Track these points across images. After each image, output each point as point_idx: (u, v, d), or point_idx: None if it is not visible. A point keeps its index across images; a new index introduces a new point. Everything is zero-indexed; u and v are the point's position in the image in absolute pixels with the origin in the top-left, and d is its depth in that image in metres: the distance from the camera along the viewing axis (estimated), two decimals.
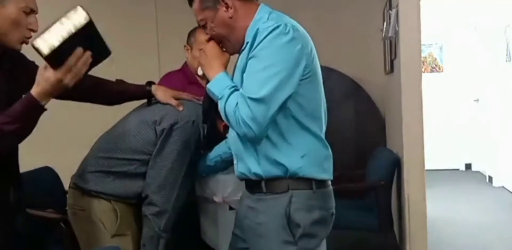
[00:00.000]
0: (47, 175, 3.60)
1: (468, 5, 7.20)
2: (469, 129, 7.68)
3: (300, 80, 1.84)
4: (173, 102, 2.25)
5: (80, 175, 2.26)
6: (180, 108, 2.23)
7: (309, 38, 1.91)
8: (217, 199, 2.36)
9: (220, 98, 1.87)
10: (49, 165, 3.64)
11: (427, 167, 3.34)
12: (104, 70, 2.04)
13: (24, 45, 1.89)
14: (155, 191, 2.17)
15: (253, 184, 1.96)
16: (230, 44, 1.99)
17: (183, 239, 2.58)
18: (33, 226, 3.11)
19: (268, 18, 1.90)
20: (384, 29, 4.04)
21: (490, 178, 7.01)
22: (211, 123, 2.27)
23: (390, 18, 3.73)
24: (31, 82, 1.75)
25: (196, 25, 3.17)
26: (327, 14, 4.81)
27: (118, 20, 4.85)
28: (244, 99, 1.79)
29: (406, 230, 3.39)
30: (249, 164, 1.92)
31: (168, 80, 3.11)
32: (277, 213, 1.88)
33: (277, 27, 1.81)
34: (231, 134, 2.00)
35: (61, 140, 4.77)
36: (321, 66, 1.95)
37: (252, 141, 1.87)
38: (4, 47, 1.86)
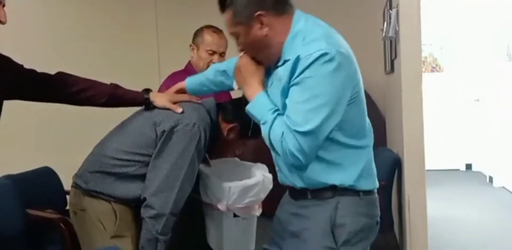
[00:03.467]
0: (47, 175, 3.60)
1: (468, 5, 7.20)
2: (469, 129, 7.67)
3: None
4: (171, 106, 2.21)
5: (81, 174, 2.26)
6: (179, 110, 2.19)
7: (353, 56, 1.81)
8: (221, 206, 2.32)
9: (263, 124, 1.80)
10: (49, 165, 3.64)
11: (427, 167, 3.33)
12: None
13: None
14: (153, 194, 2.14)
15: (296, 191, 1.90)
16: (265, 59, 1.88)
17: (185, 242, 2.57)
18: (33, 226, 3.11)
19: (304, 36, 1.76)
20: (384, 29, 4.03)
21: (491, 178, 7.00)
22: (214, 125, 2.25)
23: (390, 18, 3.73)
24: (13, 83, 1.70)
25: (198, 25, 3.18)
26: (327, 14, 4.76)
27: (118, 20, 4.84)
28: (290, 131, 1.71)
29: (406, 230, 3.38)
30: (293, 179, 1.87)
31: (173, 80, 3.09)
32: (323, 218, 1.83)
33: (322, 55, 1.68)
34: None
35: (61, 140, 4.76)
36: None
37: (298, 169, 1.82)
38: None
